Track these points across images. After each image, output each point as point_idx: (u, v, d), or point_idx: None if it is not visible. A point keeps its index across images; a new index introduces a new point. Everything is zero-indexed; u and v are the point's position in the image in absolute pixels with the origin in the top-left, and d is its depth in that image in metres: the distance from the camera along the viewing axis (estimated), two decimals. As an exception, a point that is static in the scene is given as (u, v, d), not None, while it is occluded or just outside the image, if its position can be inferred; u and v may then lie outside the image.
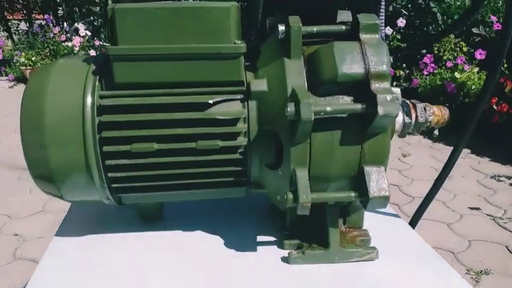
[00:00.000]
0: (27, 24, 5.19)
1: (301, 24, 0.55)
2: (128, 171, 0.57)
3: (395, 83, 3.51)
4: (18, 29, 5.25)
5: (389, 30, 3.62)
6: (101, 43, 6.15)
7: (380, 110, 0.51)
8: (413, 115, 0.67)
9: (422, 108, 0.67)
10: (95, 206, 0.69)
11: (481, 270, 1.70)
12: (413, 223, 0.78)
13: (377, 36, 0.56)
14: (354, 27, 0.57)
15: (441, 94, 3.13)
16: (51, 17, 6.11)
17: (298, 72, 0.55)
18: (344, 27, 0.57)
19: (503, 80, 2.83)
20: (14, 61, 5.80)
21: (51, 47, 5.63)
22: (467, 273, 1.70)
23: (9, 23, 5.61)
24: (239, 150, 0.58)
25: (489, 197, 2.35)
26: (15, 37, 5.25)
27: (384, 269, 0.59)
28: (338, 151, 0.55)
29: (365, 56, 0.54)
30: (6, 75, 5.91)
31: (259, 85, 0.57)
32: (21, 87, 5.83)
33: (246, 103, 0.58)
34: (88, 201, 0.63)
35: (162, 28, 0.54)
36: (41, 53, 5.67)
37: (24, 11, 5.35)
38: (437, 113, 0.69)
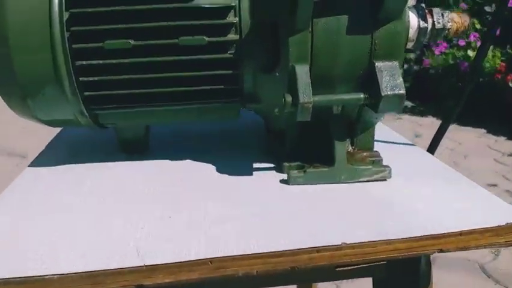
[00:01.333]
0: None
1: None
2: (102, 75, 0.49)
3: (405, 66, 3.40)
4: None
5: None
6: None
7: (391, -17, 0.43)
8: (430, 20, 0.58)
9: (440, 13, 0.59)
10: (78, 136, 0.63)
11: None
12: (431, 150, 0.70)
13: None
14: None
15: (454, 74, 3.02)
16: None
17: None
18: None
19: (519, 56, 2.72)
20: None
21: None
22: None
23: None
24: (229, 50, 0.50)
25: (507, 173, 2.24)
26: None
27: (401, 189, 0.51)
28: (345, 42, 0.47)
29: None
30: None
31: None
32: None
33: (236, -10, 0.50)
34: (64, 121, 0.56)
35: None
36: None
37: None
38: (457, 20, 0.60)
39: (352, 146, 0.58)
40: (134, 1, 0.48)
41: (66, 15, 0.48)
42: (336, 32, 0.47)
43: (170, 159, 0.60)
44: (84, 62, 0.49)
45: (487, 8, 3.31)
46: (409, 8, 0.57)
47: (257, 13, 0.49)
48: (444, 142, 2.99)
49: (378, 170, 0.52)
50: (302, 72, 0.47)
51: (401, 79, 0.47)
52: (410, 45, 0.59)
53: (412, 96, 3.24)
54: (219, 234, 0.41)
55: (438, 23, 0.58)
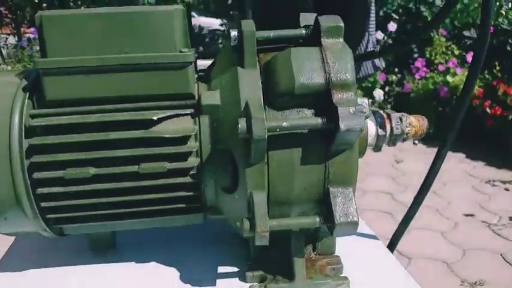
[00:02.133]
0: (16, 38, 5.13)
1: (254, 29, 0.49)
2: (63, 200, 0.50)
3: (387, 88, 3.45)
4: (7, 43, 5.19)
5: (380, 35, 3.57)
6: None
7: (342, 125, 0.44)
8: (388, 127, 0.60)
9: (398, 118, 0.61)
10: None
11: (476, 281, 1.63)
12: (392, 245, 0.71)
13: (341, 40, 0.50)
14: (315, 30, 0.50)
15: (434, 98, 3.08)
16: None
17: (253, 83, 0.49)
18: (304, 31, 0.51)
19: (495, 83, 2.78)
20: (3, 75, 5.74)
21: (40, 60, 5.57)
22: (461, 284, 1.63)
23: (-2, 38, 5.58)
24: (190, 172, 0.51)
25: (484, 202, 2.28)
26: (4, 51, 5.18)
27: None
28: (299, 171, 0.49)
29: (326, 64, 0.47)
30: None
31: (211, 98, 0.50)
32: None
33: (197, 118, 0.51)
34: (26, 233, 0.56)
35: (96, 37, 0.47)
36: (28, 66, 5.61)
37: (13, 25, 5.29)
38: (415, 124, 0.62)
39: (314, 251, 0.59)
40: (94, 131, 0.49)
41: (26, 145, 0.48)
42: (290, 163, 0.48)
43: (135, 261, 0.61)
44: (45, 190, 0.49)
45: (466, 33, 3.39)
46: (368, 115, 0.59)
47: (216, 142, 0.50)
48: (424, 168, 3.02)
49: (337, 284, 0.54)
50: (259, 200, 0.48)
51: (354, 206, 0.49)
52: (369, 148, 0.61)
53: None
54: None
55: (397, 129, 0.60)
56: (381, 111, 0.61)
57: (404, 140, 0.62)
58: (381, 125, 0.60)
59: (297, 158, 0.48)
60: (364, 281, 0.55)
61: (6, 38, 5.43)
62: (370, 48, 1.44)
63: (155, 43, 0.48)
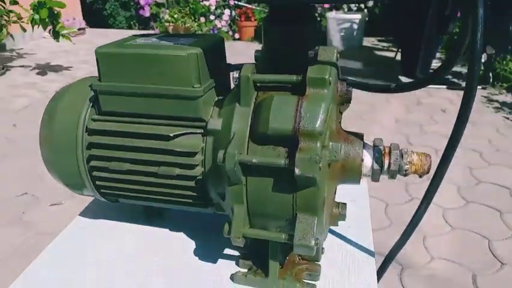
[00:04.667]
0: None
1: (253, 72, 0.59)
2: (108, 182, 0.69)
3: None
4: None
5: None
6: (235, 2, 6.44)
7: (297, 170, 0.53)
8: (386, 161, 0.65)
9: (399, 155, 0.65)
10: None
11: None
12: (380, 272, 0.76)
13: (325, 91, 0.56)
14: (303, 79, 0.58)
15: None
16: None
17: (243, 119, 0.59)
18: (294, 78, 0.59)
19: None
20: (161, 17, 6.45)
21: (191, 6, 6.10)
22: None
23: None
24: (196, 178, 0.65)
25: None
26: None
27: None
28: (272, 196, 0.59)
29: (298, 113, 0.55)
30: (154, 30, 6.64)
31: (214, 124, 0.63)
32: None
33: (205, 138, 0.64)
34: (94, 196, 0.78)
35: (135, 70, 0.63)
36: (182, 11, 6.19)
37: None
38: (416, 162, 0.65)
39: (299, 255, 0.69)
40: (132, 136, 0.66)
41: (86, 141, 0.68)
42: (264, 189, 0.59)
43: (172, 229, 0.79)
44: (97, 174, 0.69)
45: None
46: (366, 147, 0.65)
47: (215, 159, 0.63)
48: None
49: (303, 289, 0.64)
50: (237, 212, 0.61)
51: (312, 233, 0.57)
52: (367, 177, 0.67)
53: None
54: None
55: (395, 165, 0.64)
56: (383, 146, 0.65)
57: (405, 175, 0.66)
58: (377, 159, 0.65)
59: (270, 186, 0.58)
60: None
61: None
62: None
63: (173, 78, 0.61)
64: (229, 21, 6.56)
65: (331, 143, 0.58)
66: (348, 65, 5.00)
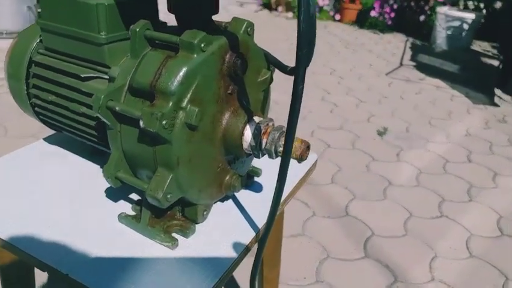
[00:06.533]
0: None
1: (146, 29, 0.63)
2: (42, 110, 0.80)
3: None
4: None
5: None
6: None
7: (141, 122, 0.57)
8: (264, 140, 0.65)
9: (277, 136, 0.65)
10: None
11: None
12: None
13: (194, 55, 0.59)
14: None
15: None
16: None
17: (127, 70, 0.64)
18: (174, 39, 0.61)
19: None
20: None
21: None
22: None
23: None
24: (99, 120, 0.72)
25: None
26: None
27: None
28: (138, 146, 0.63)
29: (160, 70, 0.58)
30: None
31: (113, 71, 0.68)
32: (265, 13, 6.58)
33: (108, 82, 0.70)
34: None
35: (61, 12, 0.70)
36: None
37: None
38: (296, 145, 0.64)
39: (181, 213, 0.73)
40: (58, 72, 0.74)
41: (31, 72, 0.78)
42: (132, 138, 0.63)
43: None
44: (33, 101, 0.79)
45: None
46: (251, 123, 0.67)
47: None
48: None
49: (162, 239, 0.68)
50: (112, 156, 0.67)
51: (163, 187, 0.61)
52: (248, 150, 0.68)
53: None
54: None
55: (270, 145, 0.65)
56: (264, 125, 0.66)
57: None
58: (255, 136, 0.66)
59: (135, 136, 0.63)
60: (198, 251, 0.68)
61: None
62: None
63: (86, 24, 0.68)
64: (333, 0, 6.41)
65: (189, 106, 0.60)
66: (444, 66, 4.63)
